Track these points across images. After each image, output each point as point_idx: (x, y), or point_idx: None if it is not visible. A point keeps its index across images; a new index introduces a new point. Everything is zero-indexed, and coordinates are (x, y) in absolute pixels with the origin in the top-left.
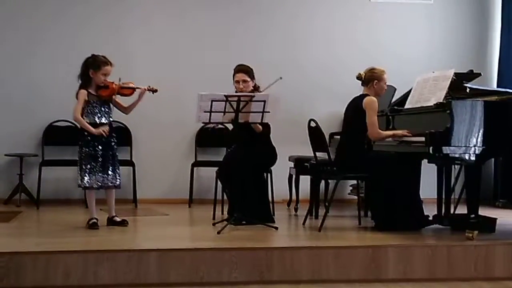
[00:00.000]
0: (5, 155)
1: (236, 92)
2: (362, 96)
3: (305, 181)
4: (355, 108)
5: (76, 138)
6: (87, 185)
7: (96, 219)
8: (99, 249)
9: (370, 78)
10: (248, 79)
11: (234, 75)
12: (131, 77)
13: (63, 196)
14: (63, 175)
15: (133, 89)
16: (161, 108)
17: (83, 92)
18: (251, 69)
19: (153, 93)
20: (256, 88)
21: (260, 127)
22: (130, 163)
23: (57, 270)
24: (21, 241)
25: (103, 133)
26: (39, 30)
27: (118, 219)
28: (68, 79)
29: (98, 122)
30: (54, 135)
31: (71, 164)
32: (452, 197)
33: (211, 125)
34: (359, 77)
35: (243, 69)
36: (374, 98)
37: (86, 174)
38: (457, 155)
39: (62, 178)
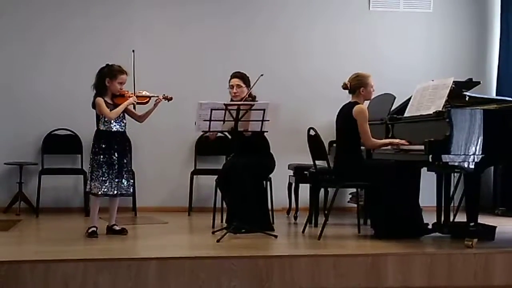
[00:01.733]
0: (5, 163)
1: (231, 98)
2: (351, 105)
3: (304, 189)
4: (345, 118)
5: (75, 147)
6: (101, 192)
7: (96, 227)
8: (99, 257)
9: (356, 86)
10: (243, 85)
11: (229, 80)
12: (137, 87)
13: (62, 205)
14: (62, 183)
15: (149, 97)
16: (161, 116)
17: (101, 99)
18: (247, 77)
19: (168, 101)
20: (252, 97)
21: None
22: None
23: (56, 279)
24: (20, 250)
25: (134, 102)
26: (40, 41)
27: (117, 227)
28: (68, 88)
29: (113, 130)
30: (54, 143)
31: (71, 173)
32: (452, 205)
33: (207, 134)
34: (345, 87)
35: (238, 75)
36: (363, 107)
37: (102, 182)
38: (456, 163)
39: (62, 186)
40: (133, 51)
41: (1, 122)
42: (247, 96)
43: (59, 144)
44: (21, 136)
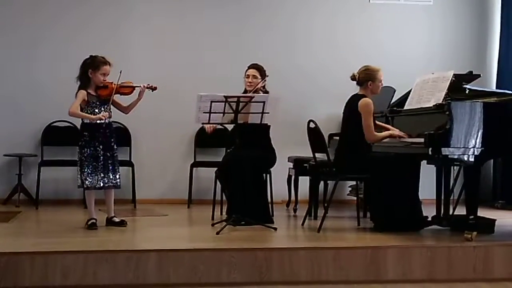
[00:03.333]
0: (4, 155)
1: (245, 88)
2: (358, 97)
3: (304, 181)
4: (351, 110)
5: (75, 138)
6: (89, 185)
7: (95, 219)
8: (98, 249)
9: (365, 79)
10: (258, 76)
11: (246, 71)
12: (130, 77)
13: (62, 196)
14: (62, 175)
15: (133, 87)
16: (160, 109)
17: (83, 91)
18: (264, 70)
19: (152, 91)
20: (264, 91)
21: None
22: (129, 163)
23: (56, 271)
24: (20, 241)
25: (103, 118)
26: (38, 31)
27: (117, 219)
28: (67, 80)
29: (98, 123)
30: (53, 135)
31: (70, 164)
32: (451, 198)
33: (205, 127)
34: (353, 78)
35: (256, 66)
36: (369, 100)
37: (88, 175)
38: (456, 156)
39: (61, 178)
40: (120, 71)
41: (0, 114)
42: (261, 87)
43: (59, 135)
44: (21, 128)
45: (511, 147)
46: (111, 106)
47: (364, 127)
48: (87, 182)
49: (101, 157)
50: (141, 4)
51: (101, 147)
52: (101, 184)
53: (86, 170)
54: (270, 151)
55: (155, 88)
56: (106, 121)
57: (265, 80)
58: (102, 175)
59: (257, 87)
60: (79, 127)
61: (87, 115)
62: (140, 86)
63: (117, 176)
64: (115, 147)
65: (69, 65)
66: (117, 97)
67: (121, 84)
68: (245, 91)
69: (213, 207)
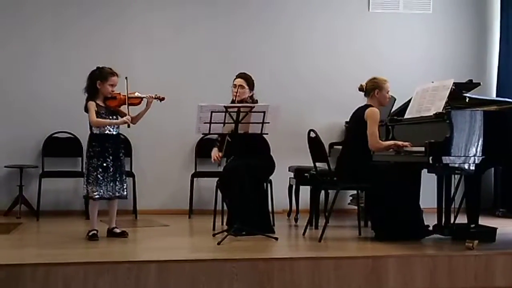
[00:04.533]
0: (5, 166)
1: (232, 97)
2: (365, 107)
3: (305, 191)
4: (357, 119)
5: (75, 149)
6: (97, 196)
7: (96, 230)
8: (99, 260)
9: (371, 88)
10: (246, 87)
11: (234, 80)
12: (131, 88)
13: (63, 208)
14: (63, 186)
15: (141, 98)
16: (161, 119)
17: (92, 103)
18: (252, 80)
19: (160, 101)
20: (253, 101)
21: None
22: (130, 174)
23: (57, 282)
24: (21, 253)
25: (127, 121)
26: (40, 42)
27: (118, 230)
28: (68, 91)
29: (107, 133)
30: (54, 146)
31: (71, 175)
32: (452, 206)
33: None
34: (361, 89)
35: (243, 76)
36: (376, 109)
37: (97, 185)
38: (456, 165)
39: (62, 189)
40: (126, 78)
41: (1, 125)
42: (248, 98)
43: (60, 147)
44: (21, 139)
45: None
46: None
47: (368, 134)
48: (95, 193)
49: (110, 168)
50: (142, 16)
51: (110, 158)
52: (109, 195)
53: (93, 180)
54: (268, 159)
55: (163, 99)
56: (114, 132)
57: (253, 91)
58: (111, 184)
59: (243, 97)
60: (87, 137)
61: (113, 121)
62: (148, 97)
63: (125, 187)
64: (123, 158)
65: (70, 77)
66: (124, 108)
67: (129, 95)
68: (232, 101)
69: (214, 217)
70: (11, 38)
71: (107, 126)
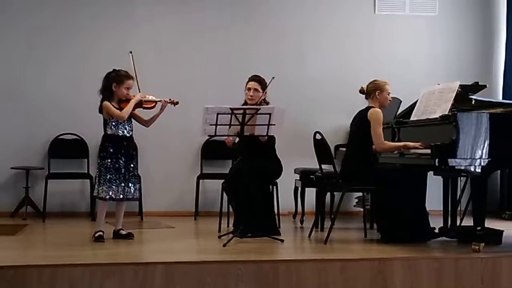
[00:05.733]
0: (12, 168)
1: (245, 99)
2: (367, 108)
3: (310, 193)
4: (360, 121)
5: (81, 151)
6: (108, 197)
7: (103, 231)
8: (105, 262)
9: (372, 89)
10: (260, 90)
11: (247, 83)
12: (137, 90)
13: (69, 209)
14: (69, 188)
15: (155, 102)
16: (166, 121)
17: (108, 103)
18: (265, 82)
19: (174, 106)
20: (266, 103)
21: (266, 137)
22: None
23: (63, 284)
24: (27, 254)
25: (142, 99)
26: (48, 47)
27: (124, 232)
28: (74, 93)
29: (121, 135)
30: (60, 148)
31: (77, 177)
32: (458, 209)
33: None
34: (361, 91)
35: (257, 79)
36: (379, 110)
37: (109, 186)
38: (462, 167)
39: (68, 191)
40: (131, 52)
41: (7, 127)
42: (261, 101)
43: (66, 148)
44: (28, 140)
45: None
46: (132, 120)
47: (373, 135)
48: (110, 193)
49: (123, 169)
50: (149, 20)
51: (123, 159)
52: (121, 196)
53: (104, 181)
54: (275, 161)
55: (177, 103)
56: (128, 134)
57: (265, 93)
58: (123, 185)
59: (257, 101)
60: (100, 138)
61: (132, 99)
62: (162, 101)
63: (137, 188)
64: (135, 160)
65: (77, 79)
66: (138, 111)
67: (144, 99)
68: (245, 103)
69: (220, 219)
70: (20, 42)
71: (121, 128)
